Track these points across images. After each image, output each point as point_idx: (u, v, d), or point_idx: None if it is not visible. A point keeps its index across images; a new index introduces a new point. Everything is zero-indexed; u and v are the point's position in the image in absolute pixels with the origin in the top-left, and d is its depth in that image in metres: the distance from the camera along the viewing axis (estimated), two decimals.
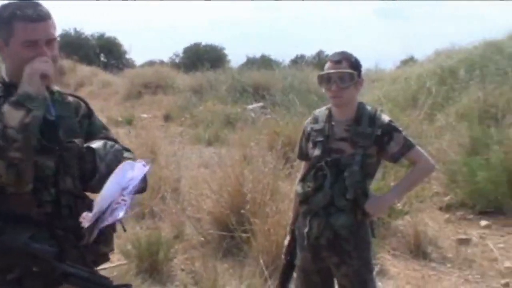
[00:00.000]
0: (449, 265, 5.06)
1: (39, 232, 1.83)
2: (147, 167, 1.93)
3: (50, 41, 1.89)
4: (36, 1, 1.91)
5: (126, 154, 2.09)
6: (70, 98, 2.11)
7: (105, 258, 2.10)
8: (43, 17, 1.87)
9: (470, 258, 5.17)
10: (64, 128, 1.98)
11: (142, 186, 2.00)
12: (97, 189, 1.89)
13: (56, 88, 2.08)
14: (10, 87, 1.89)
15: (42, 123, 1.83)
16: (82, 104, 2.15)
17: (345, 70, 2.75)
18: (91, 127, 2.12)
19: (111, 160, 1.94)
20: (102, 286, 1.83)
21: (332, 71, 2.75)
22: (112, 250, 2.11)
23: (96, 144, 1.98)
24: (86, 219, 1.82)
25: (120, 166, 1.88)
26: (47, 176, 1.89)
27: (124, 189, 1.84)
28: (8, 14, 1.85)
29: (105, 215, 1.81)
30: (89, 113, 2.15)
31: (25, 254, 1.76)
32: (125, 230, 2.10)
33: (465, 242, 5.54)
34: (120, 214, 1.81)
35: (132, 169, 1.89)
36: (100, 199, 1.82)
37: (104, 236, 1.99)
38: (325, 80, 2.77)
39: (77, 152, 1.96)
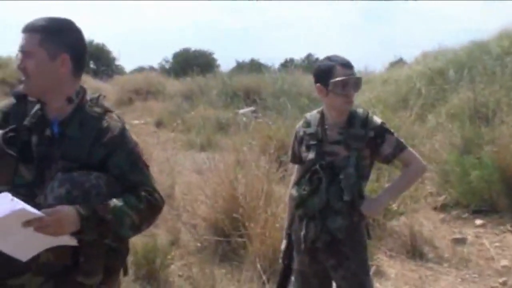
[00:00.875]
0: (445, 264, 5.07)
1: None
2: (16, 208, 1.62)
3: (24, 52, 1.89)
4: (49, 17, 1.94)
5: (115, 201, 1.84)
6: (105, 122, 1.97)
7: None
8: (27, 29, 1.90)
9: (466, 258, 5.18)
10: (64, 149, 1.90)
11: (149, 219, 1.96)
12: None
13: (99, 107, 2.01)
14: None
15: (44, 137, 1.91)
16: (117, 132, 1.97)
17: (360, 76, 2.81)
18: (109, 160, 1.92)
19: (60, 194, 1.79)
20: None
21: (357, 76, 2.77)
22: (94, 283, 1.88)
23: (65, 175, 1.82)
24: None
25: None
26: (19, 185, 1.85)
27: None
28: None
29: None
30: (115, 144, 1.94)
31: None
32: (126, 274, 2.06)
33: (461, 241, 5.56)
34: None
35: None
36: None
37: (86, 266, 1.85)
38: (342, 85, 2.73)
39: (53, 175, 1.84)
